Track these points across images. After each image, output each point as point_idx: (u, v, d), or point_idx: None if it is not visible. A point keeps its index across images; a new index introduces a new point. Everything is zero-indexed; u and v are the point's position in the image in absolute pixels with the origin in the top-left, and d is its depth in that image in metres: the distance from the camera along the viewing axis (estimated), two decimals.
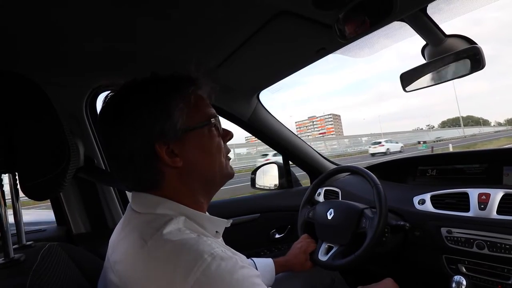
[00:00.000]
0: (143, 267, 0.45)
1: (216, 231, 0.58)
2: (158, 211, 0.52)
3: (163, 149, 0.51)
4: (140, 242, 0.47)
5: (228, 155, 0.62)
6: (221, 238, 0.63)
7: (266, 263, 0.97)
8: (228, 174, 0.60)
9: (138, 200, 0.55)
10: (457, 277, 0.83)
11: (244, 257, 0.54)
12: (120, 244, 0.53)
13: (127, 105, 0.52)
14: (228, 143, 0.63)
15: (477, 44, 0.83)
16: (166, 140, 0.51)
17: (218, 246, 0.47)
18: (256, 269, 0.91)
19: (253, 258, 0.97)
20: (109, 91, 0.56)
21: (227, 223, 0.60)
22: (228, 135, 0.61)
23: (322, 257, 1.00)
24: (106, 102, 0.55)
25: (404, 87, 1.02)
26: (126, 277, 0.47)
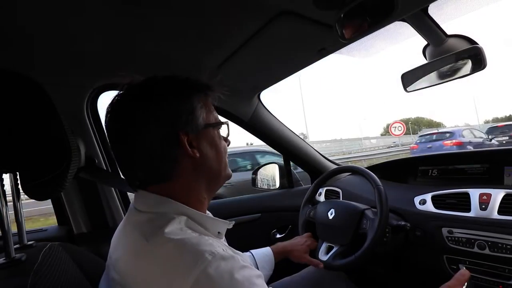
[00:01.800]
0: (144, 265, 0.46)
1: (218, 232, 0.58)
2: (160, 210, 0.52)
3: (185, 138, 0.54)
4: (141, 240, 0.48)
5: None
6: (224, 239, 0.64)
7: (264, 253, 0.98)
8: (229, 175, 0.64)
9: (141, 199, 0.56)
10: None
11: (247, 256, 0.54)
12: (121, 243, 0.54)
13: (152, 95, 0.54)
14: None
15: (478, 44, 0.83)
16: (188, 130, 0.54)
17: (219, 246, 0.47)
18: (255, 261, 0.93)
19: (251, 251, 0.97)
20: (116, 89, 0.57)
21: (228, 224, 0.61)
22: (227, 141, 0.66)
23: (323, 256, 1.00)
24: (124, 91, 0.55)
25: (405, 88, 1.02)
26: (127, 275, 0.48)
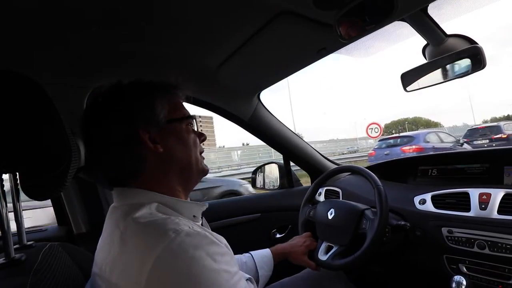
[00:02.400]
0: (114, 249, 0.48)
1: (194, 216, 0.60)
2: (133, 201, 0.55)
3: (146, 135, 0.57)
4: (115, 229, 0.51)
5: (202, 154, 0.67)
6: (202, 222, 0.65)
7: (263, 254, 0.99)
8: (204, 170, 0.66)
9: (117, 195, 0.58)
10: (457, 277, 0.83)
11: (222, 238, 0.55)
12: (102, 238, 0.56)
13: (114, 99, 0.58)
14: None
15: (478, 44, 0.83)
16: (148, 128, 0.57)
17: (186, 223, 0.49)
18: (254, 261, 0.95)
19: (250, 252, 0.99)
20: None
21: (202, 206, 0.62)
22: (202, 136, 0.68)
23: (322, 256, 1.00)
24: (90, 100, 0.62)
25: (404, 87, 1.02)
26: (102, 263, 0.50)
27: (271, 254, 1.00)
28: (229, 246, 0.55)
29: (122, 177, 0.58)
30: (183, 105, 0.66)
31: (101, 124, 0.57)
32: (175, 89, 0.64)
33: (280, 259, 1.01)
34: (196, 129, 0.68)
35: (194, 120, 0.67)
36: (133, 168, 0.57)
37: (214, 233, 0.54)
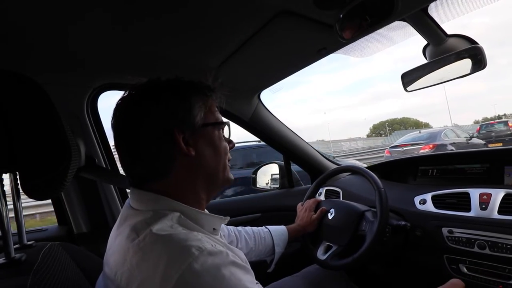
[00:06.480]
0: (131, 259, 0.46)
1: (214, 229, 0.58)
2: (154, 208, 0.53)
3: (180, 136, 0.55)
4: (132, 236, 0.49)
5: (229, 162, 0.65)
6: (221, 235, 0.64)
7: (281, 232, 1.05)
8: (229, 179, 0.64)
9: (136, 197, 0.56)
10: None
11: (241, 252, 0.54)
12: (116, 240, 0.54)
13: (149, 95, 0.56)
14: None
15: (478, 44, 0.83)
16: (184, 129, 0.55)
17: (208, 241, 0.47)
18: (273, 239, 1.01)
19: (267, 226, 1.06)
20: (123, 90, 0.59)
21: (223, 220, 0.61)
22: (231, 143, 0.66)
23: (321, 256, 1.00)
24: (126, 94, 0.58)
25: (405, 87, 1.02)
26: (117, 269, 0.49)
27: (287, 232, 1.05)
28: (247, 261, 0.54)
29: (148, 177, 0.56)
30: (217, 110, 0.63)
31: (135, 120, 0.54)
32: (211, 91, 0.62)
33: (294, 237, 1.06)
34: (228, 136, 0.66)
35: (227, 127, 0.65)
36: (161, 168, 0.55)
37: (234, 249, 0.53)
